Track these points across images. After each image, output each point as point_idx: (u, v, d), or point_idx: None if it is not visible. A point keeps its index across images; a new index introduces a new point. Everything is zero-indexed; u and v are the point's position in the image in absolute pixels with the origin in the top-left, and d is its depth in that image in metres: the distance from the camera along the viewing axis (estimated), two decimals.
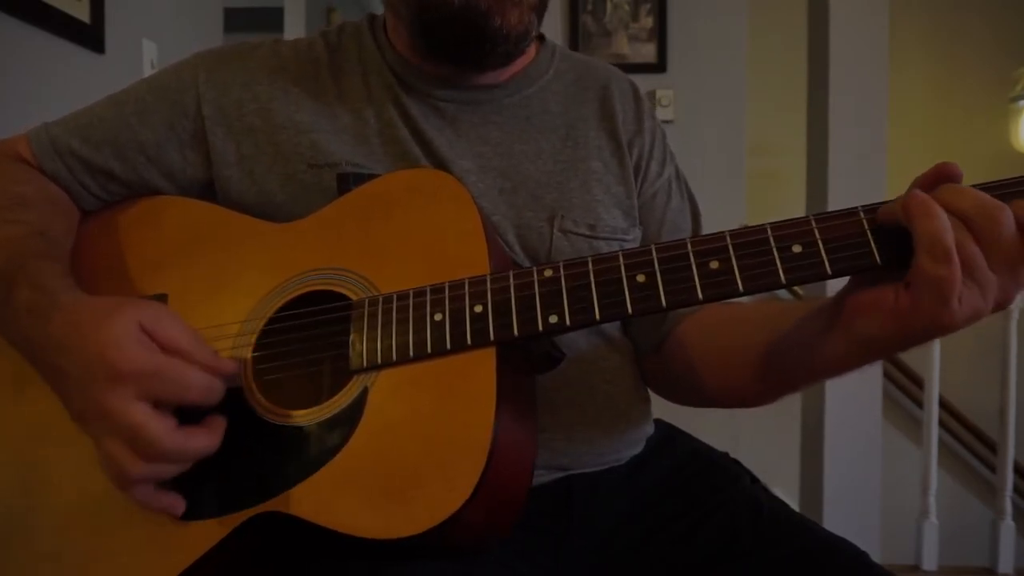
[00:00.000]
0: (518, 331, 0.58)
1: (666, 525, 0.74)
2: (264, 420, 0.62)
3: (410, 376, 0.60)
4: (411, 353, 0.60)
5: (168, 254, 0.74)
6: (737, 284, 0.55)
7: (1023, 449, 2.76)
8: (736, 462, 0.83)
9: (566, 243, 0.76)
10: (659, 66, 2.54)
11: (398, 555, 0.57)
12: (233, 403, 0.61)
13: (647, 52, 2.54)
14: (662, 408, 0.85)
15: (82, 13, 1.56)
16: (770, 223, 0.56)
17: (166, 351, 0.57)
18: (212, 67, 0.79)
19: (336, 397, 0.61)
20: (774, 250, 0.54)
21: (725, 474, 0.79)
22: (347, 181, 0.72)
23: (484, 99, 0.80)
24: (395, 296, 0.62)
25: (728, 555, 0.70)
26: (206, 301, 0.69)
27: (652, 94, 2.50)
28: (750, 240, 0.55)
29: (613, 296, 0.57)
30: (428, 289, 0.61)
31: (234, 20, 2.48)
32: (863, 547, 0.69)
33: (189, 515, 0.60)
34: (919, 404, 2.94)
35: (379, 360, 0.60)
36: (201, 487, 0.60)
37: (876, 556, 0.70)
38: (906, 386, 3.54)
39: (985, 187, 0.52)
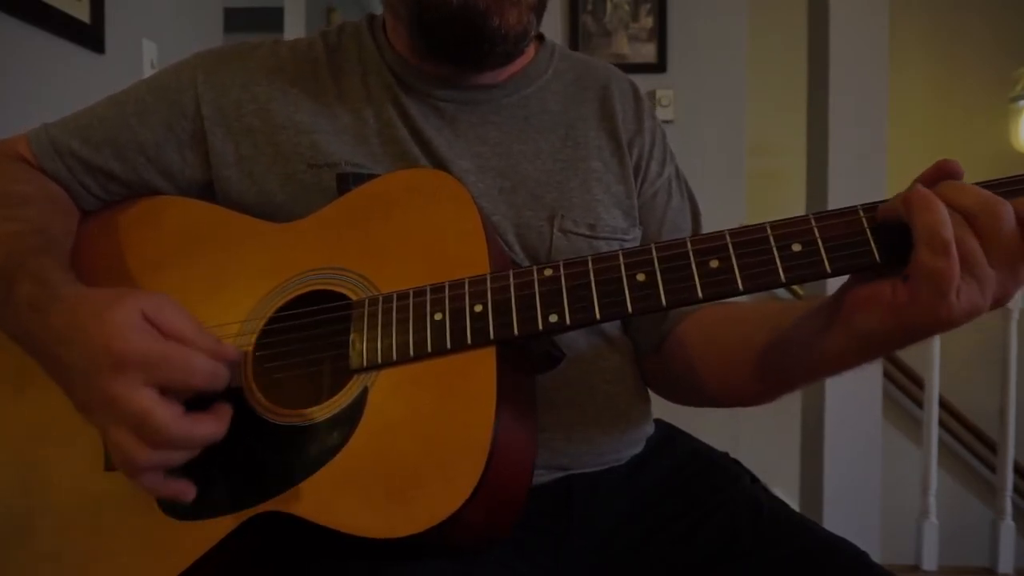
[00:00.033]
0: (518, 330, 0.58)
1: (666, 525, 0.74)
2: (264, 420, 0.62)
3: (410, 376, 0.60)
4: (411, 352, 0.60)
5: (168, 254, 0.74)
6: (737, 283, 0.55)
7: (1023, 449, 2.76)
8: (736, 462, 0.83)
9: (566, 243, 0.76)
10: (659, 66, 2.54)
11: (398, 555, 0.57)
12: (233, 403, 0.61)
13: (647, 52, 2.54)
14: (662, 408, 0.85)
15: (82, 13, 1.56)
16: (770, 222, 0.56)
17: (169, 338, 0.57)
18: (211, 68, 0.79)
19: (336, 397, 0.61)
20: (774, 249, 0.54)
21: (725, 474, 0.79)
22: (347, 181, 0.72)
23: (483, 99, 0.80)
24: (395, 296, 0.62)
25: (728, 555, 0.70)
26: (206, 301, 0.69)
27: (652, 94, 2.50)
28: (750, 239, 0.55)
29: (613, 295, 0.57)
30: (428, 289, 0.61)
31: (234, 20, 2.48)
32: (863, 547, 0.69)
33: (190, 515, 0.60)
34: (919, 404, 2.94)
35: (379, 360, 0.60)
36: (201, 487, 0.60)
37: (876, 556, 0.70)
38: (906, 386, 3.53)
39: (986, 184, 0.52)
